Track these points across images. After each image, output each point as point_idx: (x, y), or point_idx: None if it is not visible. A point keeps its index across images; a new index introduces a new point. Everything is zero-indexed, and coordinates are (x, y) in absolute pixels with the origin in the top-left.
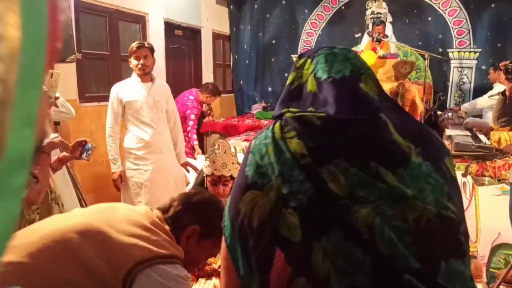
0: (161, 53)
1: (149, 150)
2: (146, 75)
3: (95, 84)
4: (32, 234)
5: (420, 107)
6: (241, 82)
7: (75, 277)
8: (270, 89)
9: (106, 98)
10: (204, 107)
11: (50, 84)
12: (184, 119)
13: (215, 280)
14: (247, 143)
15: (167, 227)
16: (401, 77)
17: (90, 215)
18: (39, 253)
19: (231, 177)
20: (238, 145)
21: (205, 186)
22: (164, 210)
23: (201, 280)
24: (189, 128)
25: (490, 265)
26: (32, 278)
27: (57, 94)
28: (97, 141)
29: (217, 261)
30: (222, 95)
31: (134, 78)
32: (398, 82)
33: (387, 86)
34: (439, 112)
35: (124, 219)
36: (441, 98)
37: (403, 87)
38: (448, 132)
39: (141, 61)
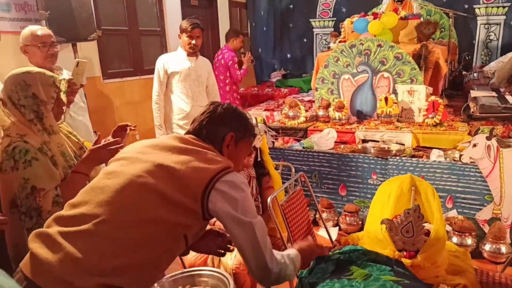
0: (179, 25)
1: (188, 121)
2: (194, 53)
3: (116, 60)
4: (103, 192)
5: (444, 68)
6: (259, 50)
7: (160, 213)
8: (289, 55)
9: (128, 74)
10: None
11: (76, 72)
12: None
13: None
14: (267, 113)
15: (207, 145)
16: (424, 38)
17: (144, 155)
18: (121, 206)
19: (254, 147)
20: (259, 115)
21: None
22: (196, 133)
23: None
24: (238, 72)
25: None
26: (121, 230)
27: (84, 81)
28: (122, 117)
29: None
30: None
31: (181, 51)
32: (420, 44)
33: (410, 48)
34: (464, 73)
35: (172, 150)
36: (467, 58)
37: (426, 49)
38: (474, 93)
39: (193, 41)
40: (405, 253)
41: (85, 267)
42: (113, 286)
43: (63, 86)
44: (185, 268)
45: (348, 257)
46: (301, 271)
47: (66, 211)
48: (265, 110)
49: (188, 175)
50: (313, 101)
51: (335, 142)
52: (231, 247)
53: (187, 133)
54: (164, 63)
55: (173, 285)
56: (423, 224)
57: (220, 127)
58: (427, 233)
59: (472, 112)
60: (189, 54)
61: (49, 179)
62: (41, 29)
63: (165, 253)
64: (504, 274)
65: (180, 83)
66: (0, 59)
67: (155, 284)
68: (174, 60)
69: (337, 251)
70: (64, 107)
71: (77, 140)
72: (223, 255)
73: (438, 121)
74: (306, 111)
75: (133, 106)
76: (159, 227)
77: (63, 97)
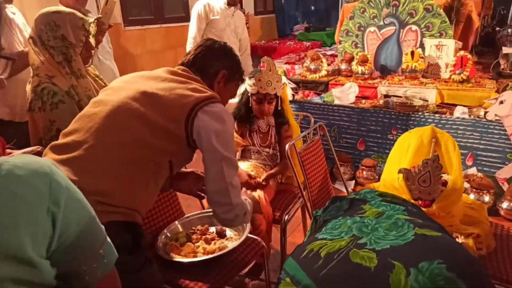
0: None
1: None
2: (235, 3)
3: (137, 7)
4: (90, 120)
5: (476, 22)
6: (283, 1)
7: (144, 137)
8: (313, 8)
9: (149, 22)
10: None
11: (105, 11)
12: None
13: (259, 192)
14: (288, 66)
15: (196, 76)
16: None
17: (129, 84)
18: (107, 131)
19: (275, 95)
20: (279, 67)
21: (250, 105)
22: (190, 64)
23: (247, 192)
24: None
25: None
26: (107, 153)
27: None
28: (142, 66)
29: (262, 176)
30: (263, 16)
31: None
32: None
33: (441, 0)
34: (497, 29)
35: (158, 79)
36: (502, 12)
37: (458, 1)
38: (505, 50)
39: None
40: (420, 202)
41: (81, 187)
42: (110, 205)
43: (92, 29)
44: (204, 209)
45: (363, 197)
46: (316, 210)
47: (60, 140)
48: (286, 63)
49: (172, 101)
50: (336, 55)
51: (356, 97)
52: None
53: (180, 64)
54: (205, 8)
55: (192, 223)
56: (441, 175)
57: (214, 62)
58: (444, 183)
59: (502, 69)
60: (230, 3)
61: None
62: None
63: (152, 177)
64: None
65: (219, 32)
66: (24, 6)
67: (176, 222)
68: (216, 7)
69: (352, 194)
70: (92, 51)
71: (103, 84)
72: (203, 198)
73: (465, 78)
74: (328, 65)
75: (154, 55)
76: (143, 150)
77: (92, 40)
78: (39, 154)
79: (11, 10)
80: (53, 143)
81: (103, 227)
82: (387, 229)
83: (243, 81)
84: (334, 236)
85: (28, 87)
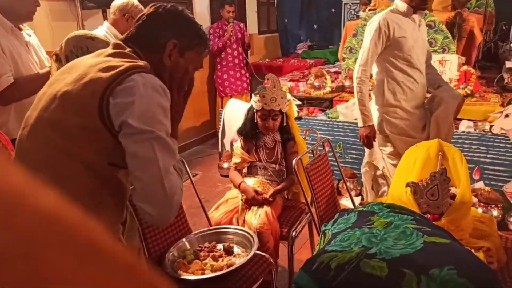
0: None
1: (414, 103)
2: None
3: None
4: (20, 145)
5: (479, 38)
6: (286, 20)
7: (67, 147)
8: (315, 26)
9: None
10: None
11: None
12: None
13: (266, 208)
14: (292, 83)
15: (131, 53)
16: (459, 6)
17: (52, 86)
18: (32, 154)
19: (280, 111)
20: (284, 85)
21: (255, 121)
22: (131, 39)
23: (254, 208)
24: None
25: None
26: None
27: None
28: None
29: (268, 192)
30: (267, 35)
31: (401, 5)
32: (455, 12)
33: (443, 16)
34: (500, 43)
35: (77, 70)
36: (504, 27)
37: (460, 17)
38: (509, 64)
39: None
40: (429, 216)
41: None
42: None
43: None
44: (211, 226)
45: (371, 208)
46: (324, 223)
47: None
48: (290, 80)
49: (79, 94)
50: (339, 72)
51: None
52: None
53: (122, 38)
54: (388, 22)
55: (201, 240)
56: (449, 188)
57: (160, 32)
58: (453, 196)
59: (506, 83)
60: (417, 9)
61: None
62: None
63: (100, 190)
64: None
65: (407, 53)
66: (35, 25)
67: (183, 239)
68: (398, 19)
69: (360, 206)
70: None
71: None
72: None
73: (469, 92)
74: (332, 81)
75: None
76: (72, 162)
77: None
78: None
79: (27, 32)
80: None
81: None
82: (396, 238)
83: (206, 46)
84: (344, 247)
85: None
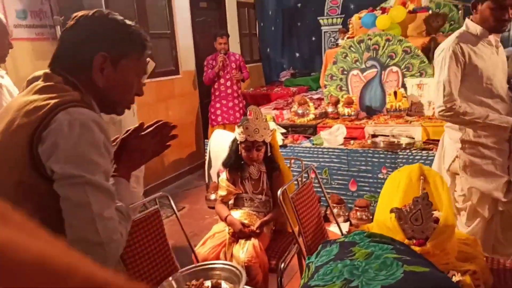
0: (188, 27)
1: (497, 139)
2: (502, 30)
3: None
4: None
5: None
6: (268, 50)
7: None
8: (297, 54)
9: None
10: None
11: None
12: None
13: (253, 240)
14: (277, 112)
15: (52, 82)
16: (433, 31)
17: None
18: None
19: (263, 142)
20: (268, 113)
21: (239, 153)
22: (53, 63)
23: (241, 241)
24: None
25: None
26: None
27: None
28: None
29: (255, 224)
30: (250, 65)
31: (474, 28)
32: (429, 37)
33: (418, 42)
34: None
35: (6, 115)
36: None
37: (435, 42)
38: None
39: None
40: (414, 241)
41: None
42: None
43: None
44: (198, 262)
45: (352, 239)
46: (308, 256)
47: None
48: (274, 109)
49: (8, 147)
50: (322, 99)
51: (345, 138)
52: None
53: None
54: (462, 45)
55: (188, 278)
56: (432, 212)
57: (83, 46)
58: (436, 220)
59: None
60: (492, 31)
61: None
62: None
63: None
64: None
65: (487, 81)
66: (18, 65)
67: (170, 278)
68: (471, 43)
69: (342, 237)
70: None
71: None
72: (166, 148)
73: None
74: (315, 108)
75: (147, 107)
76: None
77: None
78: None
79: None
80: None
81: None
82: (377, 269)
83: (143, 48)
84: (327, 282)
85: None
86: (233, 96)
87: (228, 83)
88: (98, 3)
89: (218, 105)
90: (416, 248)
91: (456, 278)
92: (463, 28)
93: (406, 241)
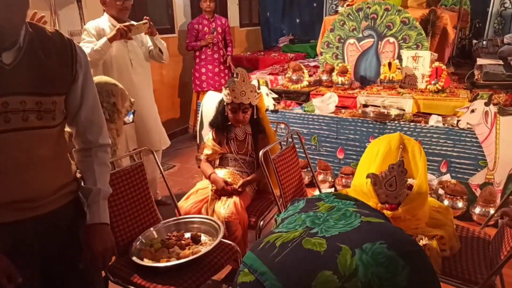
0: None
1: None
2: None
3: None
4: None
5: (451, 35)
6: (268, 14)
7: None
8: (298, 20)
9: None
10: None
11: (137, 27)
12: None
13: (235, 198)
14: (271, 77)
15: None
16: (433, 3)
17: None
18: None
19: (250, 104)
20: (262, 78)
21: (225, 114)
22: None
23: (223, 198)
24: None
25: (505, 192)
26: None
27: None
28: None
29: (238, 182)
30: (248, 28)
31: None
32: (429, 9)
33: (418, 13)
34: (474, 41)
35: None
36: (477, 25)
37: (434, 14)
38: (480, 61)
39: None
40: (387, 205)
41: None
42: None
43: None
44: (180, 215)
45: (319, 196)
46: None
47: None
48: (269, 74)
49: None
50: (318, 67)
51: (336, 106)
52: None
53: None
54: None
55: (169, 230)
56: (407, 179)
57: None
58: (410, 187)
59: (476, 79)
60: None
61: None
62: None
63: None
64: (483, 230)
65: None
66: None
67: (151, 228)
68: None
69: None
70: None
71: None
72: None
73: (440, 88)
74: (310, 75)
75: None
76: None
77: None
78: None
79: None
80: None
81: None
82: (337, 219)
83: None
84: (289, 228)
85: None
86: (219, 61)
87: (215, 48)
88: None
89: (203, 69)
90: (388, 213)
91: (423, 241)
92: None
93: (379, 205)
